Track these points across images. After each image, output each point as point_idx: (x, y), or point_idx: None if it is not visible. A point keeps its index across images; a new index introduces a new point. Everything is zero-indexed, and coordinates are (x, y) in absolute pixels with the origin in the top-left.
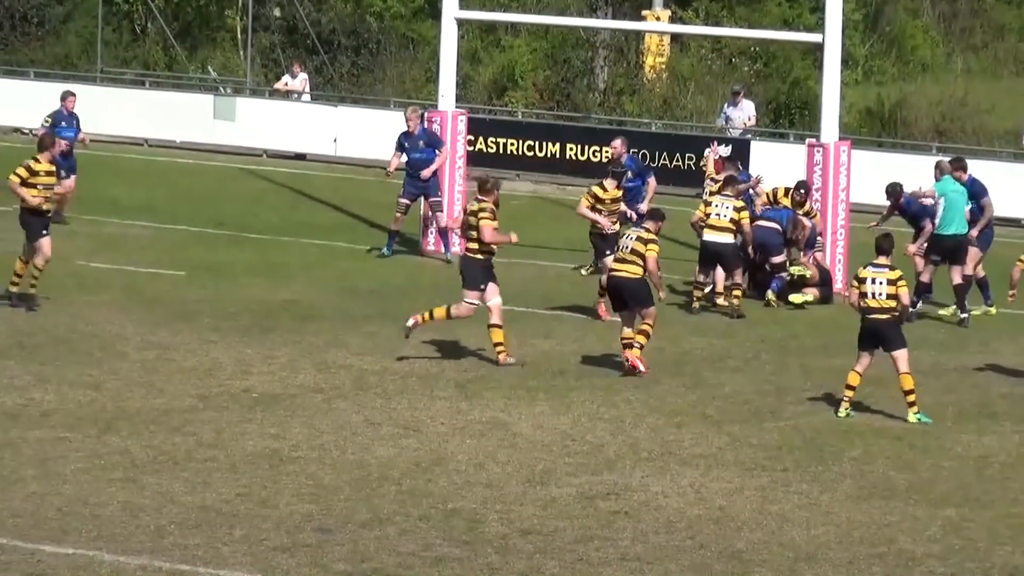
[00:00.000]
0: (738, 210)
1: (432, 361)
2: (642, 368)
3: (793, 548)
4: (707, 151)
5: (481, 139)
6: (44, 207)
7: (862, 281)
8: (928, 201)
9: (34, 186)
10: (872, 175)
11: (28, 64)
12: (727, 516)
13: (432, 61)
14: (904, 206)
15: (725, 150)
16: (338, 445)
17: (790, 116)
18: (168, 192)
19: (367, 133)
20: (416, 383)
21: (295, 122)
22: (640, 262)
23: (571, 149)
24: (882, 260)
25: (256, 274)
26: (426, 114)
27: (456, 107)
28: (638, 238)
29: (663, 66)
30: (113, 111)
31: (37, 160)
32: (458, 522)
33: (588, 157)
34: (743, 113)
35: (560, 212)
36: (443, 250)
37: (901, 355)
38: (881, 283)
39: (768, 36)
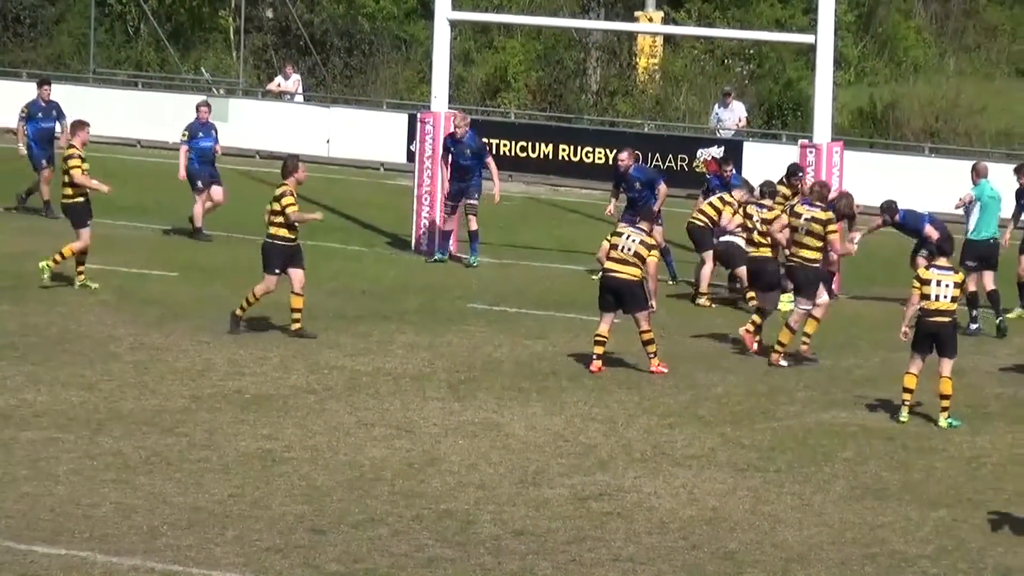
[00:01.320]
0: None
1: (425, 362)
2: (665, 369)
3: (786, 549)
4: (700, 153)
5: None
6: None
7: (926, 283)
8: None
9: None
10: (865, 176)
11: (21, 65)
12: (720, 517)
13: (425, 62)
14: (900, 223)
15: (717, 152)
16: (331, 446)
17: (783, 117)
18: (160, 193)
19: (360, 134)
20: (409, 384)
21: (288, 123)
22: (641, 265)
23: (564, 150)
24: (943, 262)
25: (248, 275)
26: (419, 115)
27: (449, 108)
28: (641, 242)
29: (656, 67)
30: (105, 112)
31: (286, 184)
32: (451, 523)
33: (581, 158)
34: (734, 114)
35: (552, 213)
36: (471, 253)
37: (951, 361)
38: (947, 286)
39: (761, 37)
